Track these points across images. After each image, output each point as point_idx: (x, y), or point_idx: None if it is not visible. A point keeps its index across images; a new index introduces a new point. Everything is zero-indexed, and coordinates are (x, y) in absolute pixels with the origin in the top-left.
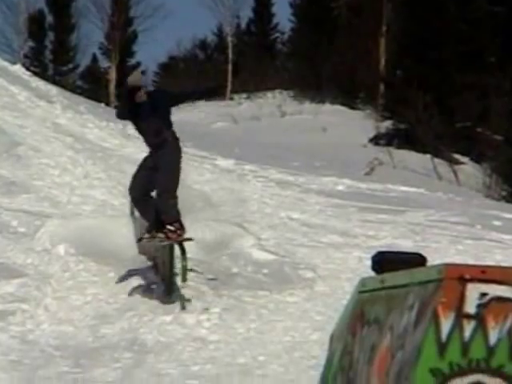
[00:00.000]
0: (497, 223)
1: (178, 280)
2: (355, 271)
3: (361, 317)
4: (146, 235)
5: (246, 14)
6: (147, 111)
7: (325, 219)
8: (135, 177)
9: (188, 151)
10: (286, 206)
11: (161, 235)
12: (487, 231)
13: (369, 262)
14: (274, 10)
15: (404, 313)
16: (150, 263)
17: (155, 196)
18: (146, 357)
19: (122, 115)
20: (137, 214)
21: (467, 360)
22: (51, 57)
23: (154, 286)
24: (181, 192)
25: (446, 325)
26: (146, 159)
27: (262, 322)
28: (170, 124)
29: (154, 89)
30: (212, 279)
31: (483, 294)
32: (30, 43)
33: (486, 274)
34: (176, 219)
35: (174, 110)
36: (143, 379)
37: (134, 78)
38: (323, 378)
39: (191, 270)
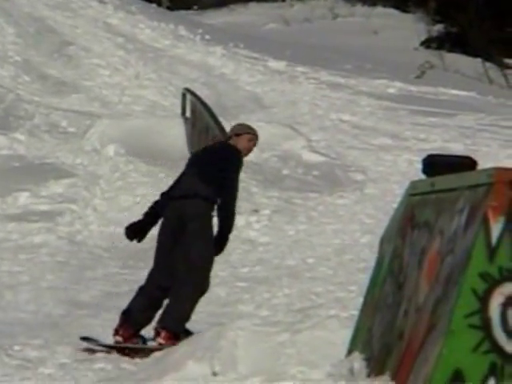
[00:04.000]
0: None
1: None
2: (405, 174)
3: (411, 220)
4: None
5: None
6: None
7: (375, 122)
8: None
9: (240, 52)
10: (336, 108)
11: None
12: None
13: (419, 165)
14: None
15: (454, 216)
16: None
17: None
18: None
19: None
20: (188, 114)
21: None
22: None
23: None
24: (233, 93)
25: (495, 229)
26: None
27: (311, 225)
28: None
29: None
30: (262, 180)
31: None
32: None
33: None
34: None
35: (225, 11)
36: None
37: None
38: (372, 281)
39: None
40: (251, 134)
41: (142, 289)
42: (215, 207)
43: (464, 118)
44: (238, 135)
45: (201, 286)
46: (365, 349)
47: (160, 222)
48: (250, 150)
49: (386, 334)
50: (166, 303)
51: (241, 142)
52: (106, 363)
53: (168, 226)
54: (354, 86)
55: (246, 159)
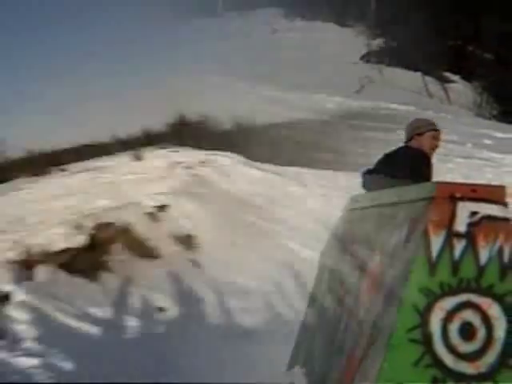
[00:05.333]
0: (487, 142)
1: None
2: (345, 189)
3: (351, 235)
4: None
5: None
6: None
7: (315, 136)
8: None
9: None
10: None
11: None
12: (478, 150)
13: (359, 180)
14: None
15: (394, 231)
16: None
17: None
18: None
19: None
20: None
21: (457, 279)
22: None
23: None
24: None
25: (436, 243)
26: None
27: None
28: None
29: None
30: None
31: (473, 213)
32: None
33: (476, 193)
34: None
35: None
36: None
37: None
38: (312, 296)
39: None
40: (434, 131)
41: None
42: None
43: (404, 132)
44: (419, 134)
45: None
46: (306, 363)
47: None
48: (435, 149)
49: (327, 348)
50: None
51: (425, 142)
52: None
53: None
54: (293, 101)
55: None
